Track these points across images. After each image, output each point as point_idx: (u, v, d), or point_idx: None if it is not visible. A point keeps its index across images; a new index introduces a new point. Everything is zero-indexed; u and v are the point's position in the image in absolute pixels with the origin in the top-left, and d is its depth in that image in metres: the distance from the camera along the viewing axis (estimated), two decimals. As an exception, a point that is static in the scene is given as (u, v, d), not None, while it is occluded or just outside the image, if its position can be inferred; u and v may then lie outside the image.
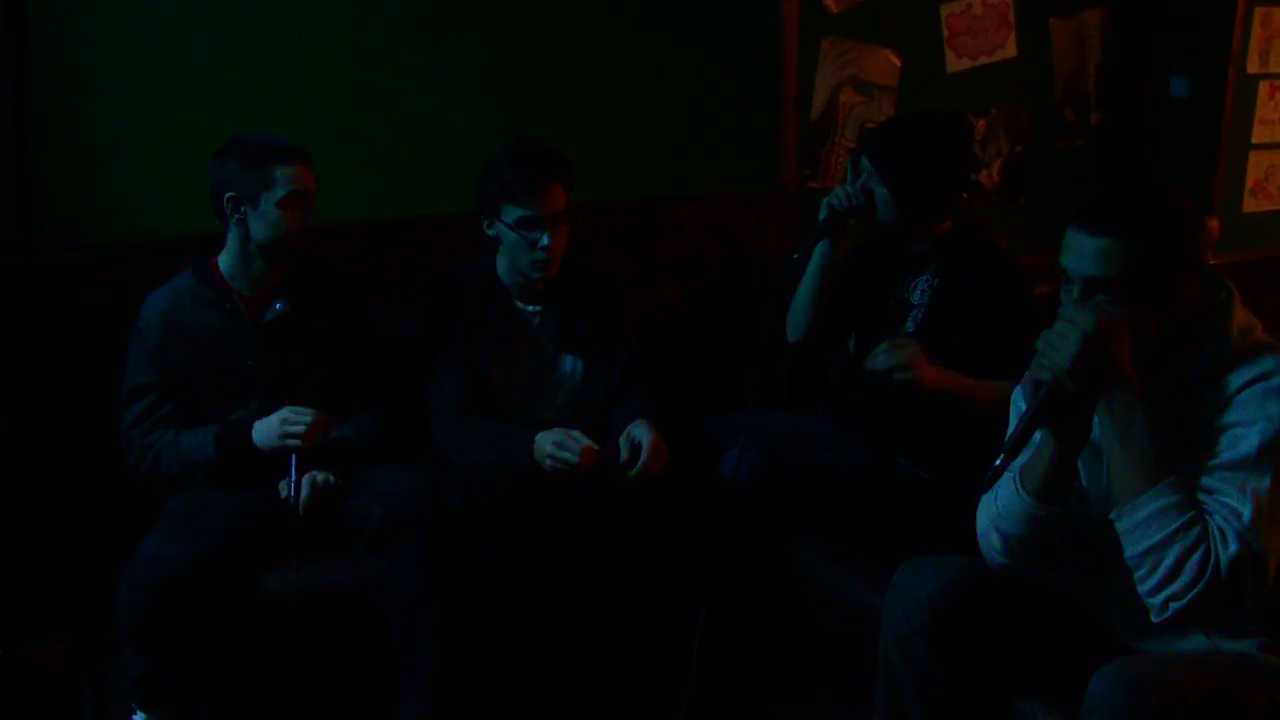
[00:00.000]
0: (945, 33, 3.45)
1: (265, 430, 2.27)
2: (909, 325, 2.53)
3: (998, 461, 1.65)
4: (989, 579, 1.86)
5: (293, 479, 2.24)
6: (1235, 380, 1.64)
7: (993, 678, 1.85)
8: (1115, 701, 1.55)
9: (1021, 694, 1.85)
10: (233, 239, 2.34)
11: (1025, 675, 1.86)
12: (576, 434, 2.35)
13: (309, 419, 2.25)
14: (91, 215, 2.58)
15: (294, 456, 2.25)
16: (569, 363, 2.58)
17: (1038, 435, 1.71)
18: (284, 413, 2.27)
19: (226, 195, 2.28)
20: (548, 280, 2.51)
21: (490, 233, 2.49)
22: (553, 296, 2.56)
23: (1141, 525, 1.59)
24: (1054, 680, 1.81)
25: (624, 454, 2.37)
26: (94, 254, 2.58)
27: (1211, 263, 3.08)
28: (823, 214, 2.52)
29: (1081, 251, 1.64)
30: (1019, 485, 1.74)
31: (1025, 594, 1.88)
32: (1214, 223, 3.18)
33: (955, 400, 2.34)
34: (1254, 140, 3.89)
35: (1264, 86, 3.84)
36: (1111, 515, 1.64)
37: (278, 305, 2.36)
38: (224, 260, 2.37)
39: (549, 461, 2.33)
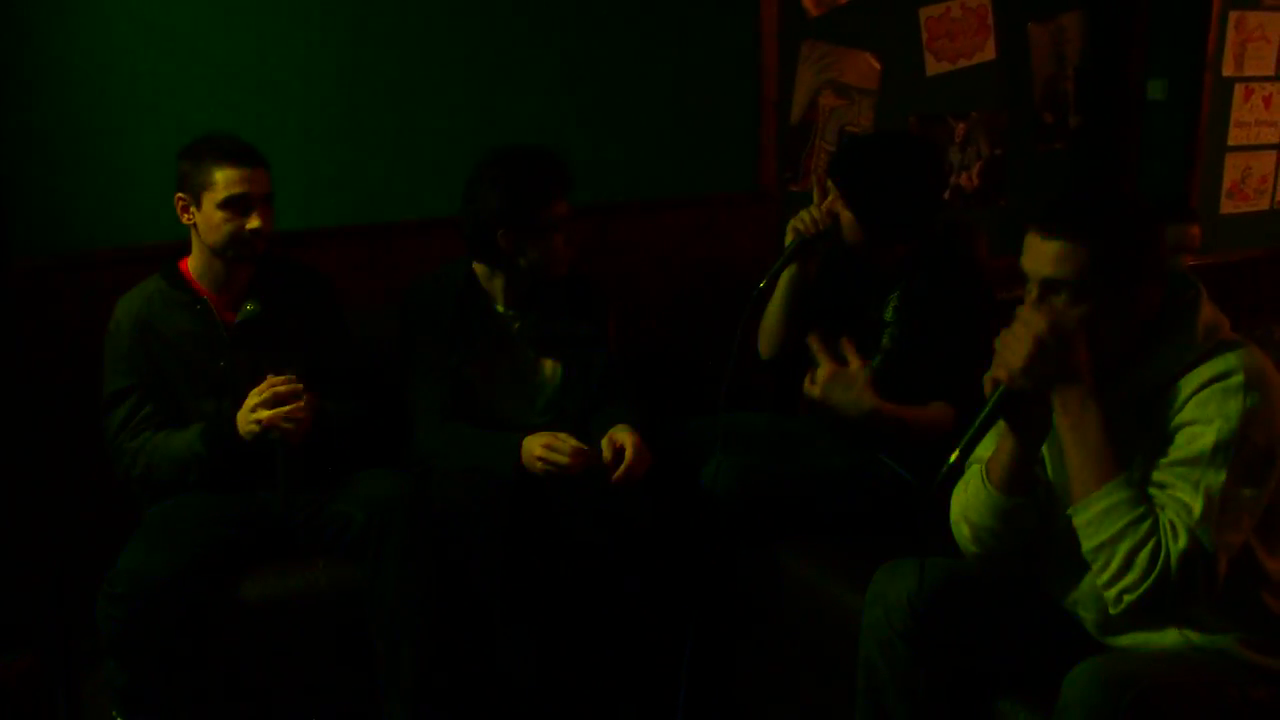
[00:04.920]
0: (925, 36, 3.47)
1: (240, 419, 2.24)
2: (886, 341, 2.54)
3: (953, 457, 1.67)
4: (968, 580, 1.88)
5: (281, 471, 2.26)
6: (1196, 378, 1.66)
7: (973, 678, 1.87)
8: (1090, 700, 1.57)
9: (1001, 694, 1.86)
10: (194, 241, 2.34)
11: (1005, 675, 1.87)
12: (564, 436, 2.35)
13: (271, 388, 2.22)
14: (67, 223, 2.57)
15: (281, 451, 2.24)
16: (549, 367, 2.58)
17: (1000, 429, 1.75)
18: (251, 402, 2.23)
19: (177, 195, 2.29)
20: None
21: (506, 247, 2.46)
22: (533, 300, 2.56)
23: (1094, 521, 1.62)
24: (1034, 679, 1.82)
25: (607, 456, 2.37)
26: (69, 262, 2.57)
27: (1190, 264, 3.12)
28: (789, 240, 2.51)
29: (1038, 253, 1.68)
30: (985, 478, 1.78)
31: (1004, 594, 1.90)
32: (1195, 230, 3.19)
33: (891, 426, 2.34)
34: (1230, 142, 3.92)
35: (1239, 89, 3.88)
36: (1069, 511, 1.67)
37: (248, 306, 2.36)
38: (192, 263, 2.37)
39: (539, 465, 2.33)
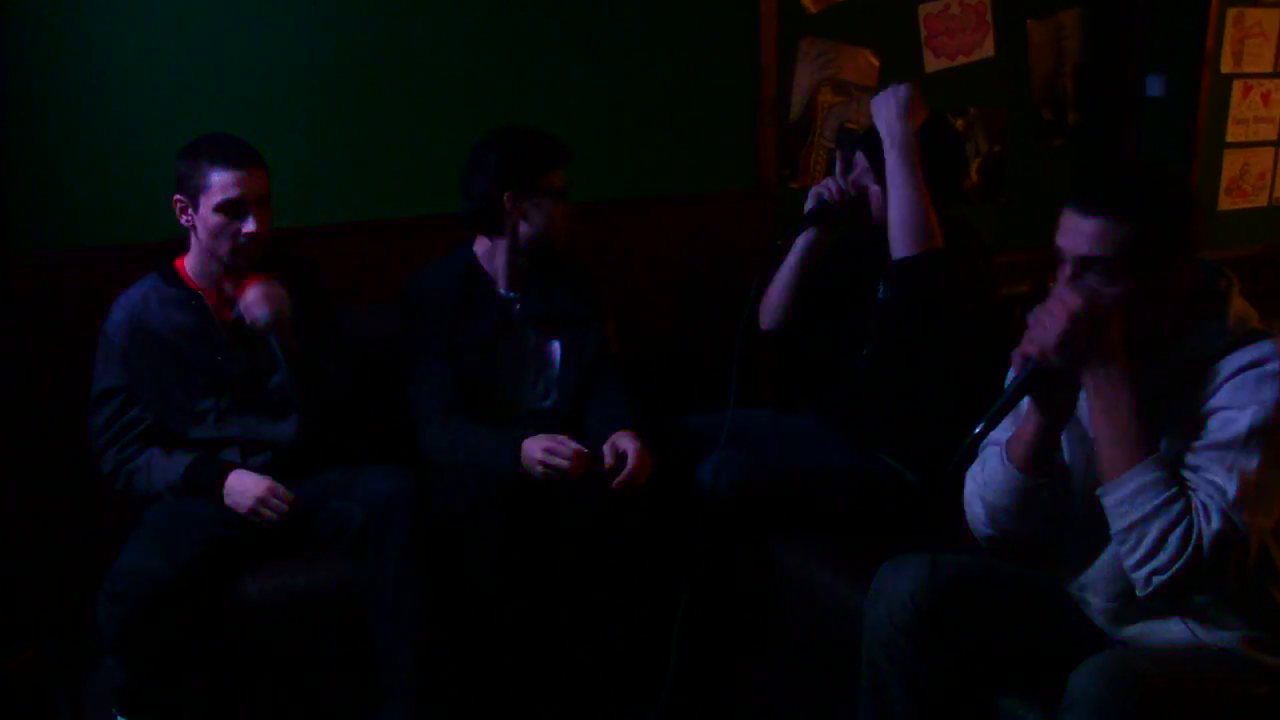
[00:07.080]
0: (923, 33, 3.46)
1: (239, 492, 2.25)
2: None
3: (977, 428, 1.67)
4: (972, 577, 1.88)
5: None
6: (1229, 365, 1.65)
7: (977, 675, 1.86)
8: (1097, 697, 1.57)
9: (1005, 691, 1.86)
10: (192, 240, 2.33)
11: (1009, 672, 1.87)
12: (563, 439, 2.34)
13: (286, 506, 2.25)
14: (65, 219, 2.57)
15: (273, 339, 2.30)
16: (550, 346, 2.58)
17: (1024, 408, 1.74)
18: (263, 492, 2.24)
19: (175, 197, 2.28)
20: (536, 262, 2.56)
21: (515, 212, 2.47)
22: (533, 282, 2.57)
23: (1125, 500, 1.60)
24: (1038, 676, 1.82)
25: (608, 461, 2.36)
26: (68, 258, 2.56)
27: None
28: (810, 204, 2.51)
29: (1076, 231, 1.66)
30: (1005, 456, 1.77)
31: (1009, 591, 1.90)
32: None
33: (899, 170, 2.34)
34: (1229, 139, 3.92)
35: (1238, 85, 3.88)
36: (1098, 491, 1.65)
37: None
38: (189, 261, 2.37)
39: (540, 469, 2.32)
